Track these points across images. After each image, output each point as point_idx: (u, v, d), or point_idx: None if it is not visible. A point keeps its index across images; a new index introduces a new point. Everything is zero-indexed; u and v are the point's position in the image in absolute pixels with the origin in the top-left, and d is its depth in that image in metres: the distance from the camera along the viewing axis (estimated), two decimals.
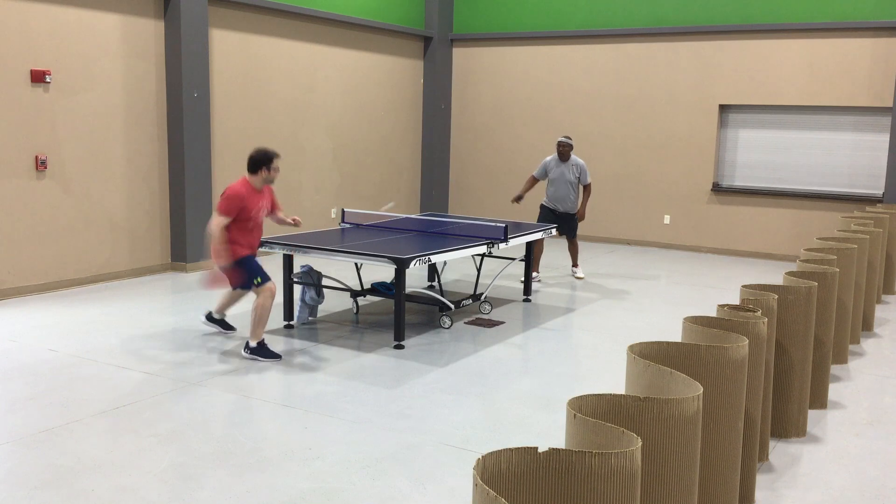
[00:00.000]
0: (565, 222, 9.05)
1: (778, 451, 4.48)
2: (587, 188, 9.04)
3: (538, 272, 9.24)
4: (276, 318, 7.01)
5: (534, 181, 9.11)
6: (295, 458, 4.20)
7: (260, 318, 5.85)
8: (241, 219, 5.82)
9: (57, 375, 5.43)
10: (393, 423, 4.73)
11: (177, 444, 4.35)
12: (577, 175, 8.90)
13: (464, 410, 4.97)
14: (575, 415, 2.31)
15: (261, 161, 5.83)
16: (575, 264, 9.35)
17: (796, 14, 10.60)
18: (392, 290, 6.98)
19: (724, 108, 11.29)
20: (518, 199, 9.04)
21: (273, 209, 6.19)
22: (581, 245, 11.27)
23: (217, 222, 5.74)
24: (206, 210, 9.00)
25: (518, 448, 2.08)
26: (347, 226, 7.81)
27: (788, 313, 4.43)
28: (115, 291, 8.03)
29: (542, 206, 9.09)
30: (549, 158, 9.04)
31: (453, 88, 13.23)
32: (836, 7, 10.38)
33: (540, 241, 8.98)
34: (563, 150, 8.85)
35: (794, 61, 10.65)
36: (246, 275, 5.89)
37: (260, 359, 5.84)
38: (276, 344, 6.27)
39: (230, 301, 6.45)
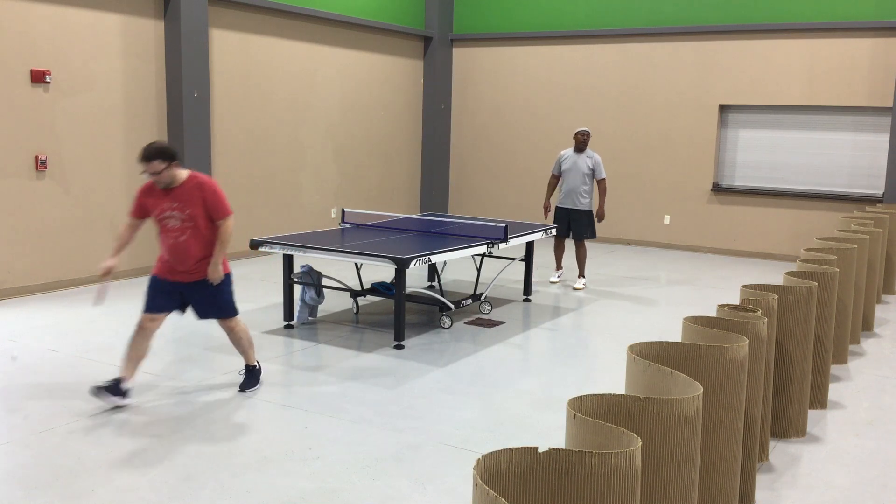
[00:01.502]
0: (574, 221, 8.66)
1: (778, 451, 4.48)
2: (601, 184, 8.57)
3: (561, 269, 9.09)
4: (277, 319, 7.01)
5: (555, 180, 8.79)
6: (295, 458, 4.20)
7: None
8: (155, 221, 5.01)
9: (57, 375, 5.43)
10: (393, 423, 4.73)
11: (177, 444, 4.35)
12: (592, 167, 8.51)
13: (464, 410, 4.97)
14: (575, 415, 2.32)
15: None
16: (580, 274, 8.80)
17: (796, 14, 10.60)
18: (392, 290, 6.98)
19: (724, 108, 11.29)
20: (547, 209, 8.76)
21: (215, 218, 4.96)
22: None
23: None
24: None
25: (518, 448, 2.08)
26: (347, 226, 7.81)
27: (788, 313, 4.43)
28: (115, 291, 8.03)
29: (556, 207, 8.82)
30: (563, 151, 8.81)
31: (453, 88, 13.23)
32: (836, 7, 10.38)
33: (560, 242, 8.94)
34: (583, 139, 8.51)
35: (794, 61, 10.65)
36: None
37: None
38: (276, 344, 6.28)
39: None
